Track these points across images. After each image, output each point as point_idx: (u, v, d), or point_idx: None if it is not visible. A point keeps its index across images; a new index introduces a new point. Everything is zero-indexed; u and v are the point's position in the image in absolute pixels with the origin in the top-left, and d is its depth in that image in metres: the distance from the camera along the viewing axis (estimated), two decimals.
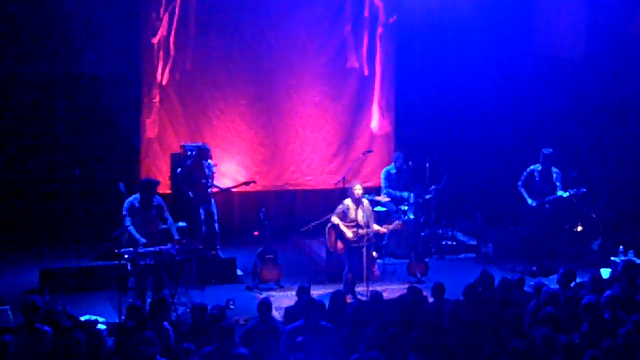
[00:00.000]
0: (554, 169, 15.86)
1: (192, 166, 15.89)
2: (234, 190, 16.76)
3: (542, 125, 19.10)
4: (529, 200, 15.91)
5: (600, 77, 18.52)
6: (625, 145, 18.31)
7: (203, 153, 15.95)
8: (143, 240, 12.93)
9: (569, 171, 16.71)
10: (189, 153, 16.49)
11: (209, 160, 16.04)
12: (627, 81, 18.29)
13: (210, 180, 15.97)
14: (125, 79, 17.40)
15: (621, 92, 18.38)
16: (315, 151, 18.90)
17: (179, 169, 16.07)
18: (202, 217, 15.83)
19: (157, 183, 13.67)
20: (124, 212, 13.18)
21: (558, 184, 15.80)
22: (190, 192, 15.65)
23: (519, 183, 16.07)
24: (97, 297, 14.20)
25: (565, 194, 15.66)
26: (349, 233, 13.99)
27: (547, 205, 15.81)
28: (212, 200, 16.05)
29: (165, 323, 10.48)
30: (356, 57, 18.97)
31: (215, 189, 16.23)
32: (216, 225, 16.00)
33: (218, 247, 15.95)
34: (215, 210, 16.07)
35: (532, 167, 15.99)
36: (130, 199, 13.30)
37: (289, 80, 18.55)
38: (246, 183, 16.62)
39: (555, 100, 18.82)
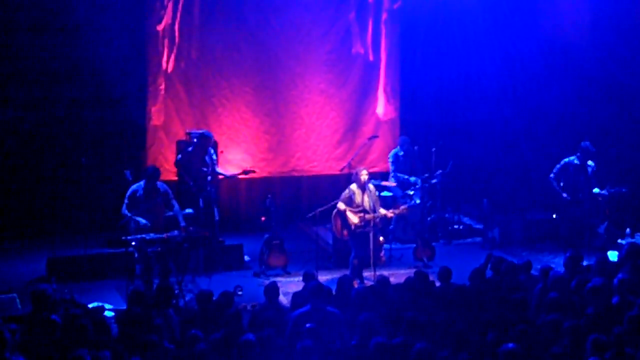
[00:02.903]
0: (590, 163, 15.76)
1: (193, 153, 15.82)
2: (240, 177, 16.73)
3: (547, 111, 19.09)
4: (563, 194, 15.82)
5: (605, 62, 18.46)
6: (630, 130, 18.27)
7: (205, 141, 15.84)
8: (144, 221, 12.96)
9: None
10: (194, 140, 16.48)
11: (211, 149, 16.00)
12: (631, 66, 18.22)
13: (209, 169, 15.85)
14: (131, 67, 17.39)
15: (626, 76, 18.32)
16: (320, 138, 18.91)
17: (179, 155, 16.04)
18: (201, 205, 15.74)
19: (157, 170, 13.68)
20: (126, 202, 13.23)
21: (593, 179, 15.76)
22: (189, 180, 15.60)
23: (551, 175, 15.92)
24: (104, 284, 14.25)
25: (604, 192, 15.72)
26: (354, 219, 14.01)
27: (582, 203, 15.75)
28: (212, 189, 15.93)
29: (170, 310, 10.50)
30: (361, 43, 18.95)
31: (220, 177, 16.22)
32: (216, 213, 15.90)
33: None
34: (215, 199, 15.99)
35: (566, 159, 15.82)
36: (134, 187, 13.33)
37: (294, 68, 18.55)
38: (245, 172, 16.51)
39: (560, 85, 18.78)
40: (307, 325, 9.41)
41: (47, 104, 17.02)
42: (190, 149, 15.89)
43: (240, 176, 16.53)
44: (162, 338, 9.39)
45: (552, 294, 10.61)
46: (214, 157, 15.98)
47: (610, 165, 16.94)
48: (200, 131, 16.64)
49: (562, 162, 15.88)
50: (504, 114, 19.32)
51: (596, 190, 15.82)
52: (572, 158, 15.81)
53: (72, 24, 16.82)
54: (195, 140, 16.13)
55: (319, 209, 14.76)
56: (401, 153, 17.29)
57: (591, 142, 15.92)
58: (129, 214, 13.11)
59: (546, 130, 18.95)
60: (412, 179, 17.03)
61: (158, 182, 13.48)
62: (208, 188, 15.67)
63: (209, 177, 15.70)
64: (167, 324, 9.94)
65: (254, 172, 16.67)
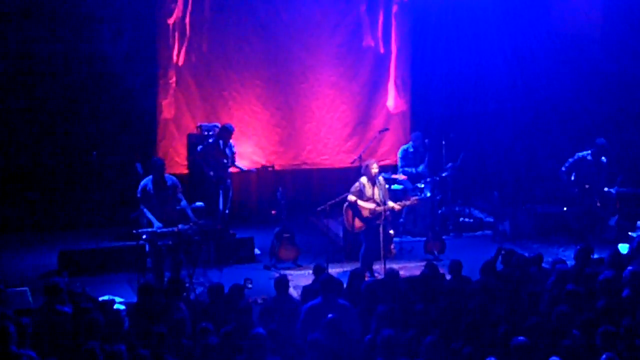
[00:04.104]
0: (603, 159, 15.76)
1: (213, 145, 15.91)
2: (255, 171, 16.93)
3: (558, 103, 19.03)
4: (573, 189, 15.81)
5: (616, 54, 18.37)
6: None
7: (226, 133, 15.94)
8: (158, 224, 12.98)
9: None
10: (205, 133, 16.54)
11: (231, 141, 16.07)
12: None
13: (230, 161, 16.00)
14: (142, 60, 17.40)
15: (637, 68, 18.24)
16: (331, 131, 18.92)
17: (200, 147, 16.09)
18: (220, 196, 15.87)
19: (160, 160, 13.72)
20: (138, 196, 13.27)
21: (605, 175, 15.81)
22: (210, 171, 15.71)
23: (563, 169, 15.90)
24: (115, 278, 14.27)
25: (613, 190, 15.75)
26: (368, 205, 13.99)
27: (594, 198, 15.77)
28: (230, 182, 16.09)
29: (182, 303, 10.53)
30: (372, 35, 18.95)
31: (235, 170, 16.29)
32: (228, 205, 16.03)
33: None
34: (230, 192, 16.10)
35: (580, 154, 15.73)
36: (143, 182, 13.34)
37: (305, 60, 18.56)
38: (265, 167, 16.75)
39: (570, 78, 18.70)
40: (330, 315, 9.40)
41: (57, 97, 17.06)
42: (211, 140, 15.97)
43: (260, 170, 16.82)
44: (174, 331, 9.41)
45: (563, 287, 10.61)
46: (234, 149, 16.08)
47: (619, 159, 16.87)
48: (213, 124, 16.73)
49: (575, 157, 15.82)
50: (515, 107, 19.29)
51: (606, 189, 15.82)
52: (585, 153, 15.73)
53: (82, 18, 16.84)
54: (211, 132, 16.24)
55: (330, 202, 14.77)
56: (411, 149, 17.27)
57: (601, 133, 15.90)
58: (145, 211, 13.18)
59: (556, 123, 18.90)
60: (420, 168, 17.01)
61: (166, 175, 13.48)
62: (228, 180, 15.82)
63: (229, 170, 15.85)
64: (180, 317, 9.95)
65: (273, 167, 16.83)
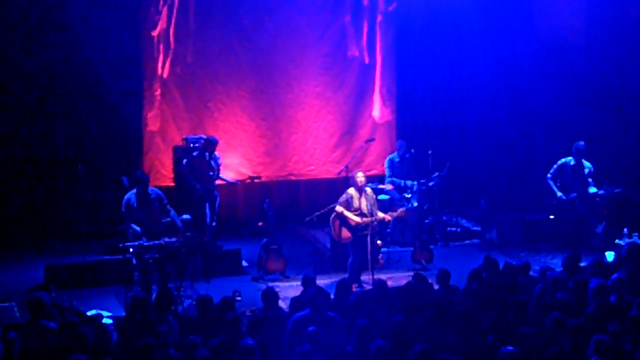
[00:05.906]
0: (586, 163, 15.83)
1: (199, 158, 15.90)
2: (240, 183, 16.91)
3: (542, 111, 19.10)
4: (558, 193, 15.88)
5: (600, 64, 18.44)
6: (625, 130, 18.28)
7: (210, 145, 15.95)
8: (143, 238, 12.96)
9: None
10: (191, 145, 16.50)
11: (216, 153, 16.06)
12: (627, 67, 18.21)
13: (216, 173, 15.99)
14: (127, 73, 17.36)
15: (621, 78, 18.30)
16: (317, 141, 18.89)
17: (185, 160, 16.07)
18: (208, 209, 15.85)
19: (145, 175, 13.72)
20: (123, 210, 13.24)
21: (590, 179, 15.83)
22: (197, 185, 15.69)
23: (549, 176, 16.00)
24: (103, 291, 14.22)
25: (600, 192, 15.76)
26: (355, 218, 13.98)
27: (577, 202, 15.81)
28: (217, 194, 16.09)
29: (170, 316, 10.48)
30: (356, 46, 18.94)
31: (221, 182, 16.28)
32: (215, 218, 16.04)
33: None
34: (217, 204, 16.09)
35: (563, 160, 15.92)
36: (127, 196, 13.32)
37: (290, 71, 18.54)
38: (251, 178, 16.72)
39: (554, 86, 18.77)
40: (310, 328, 9.38)
41: (42, 111, 17.01)
42: (195, 153, 15.96)
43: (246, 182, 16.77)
44: (163, 344, 9.36)
45: (551, 295, 10.61)
46: (219, 161, 16.08)
47: (605, 166, 16.93)
48: (198, 136, 16.70)
49: (558, 163, 15.96)
50: (500, 115, 19.33)
51: (592, 189, 15.83)
52: (568, 159, 15.87)
53: (66, 31, 16.78)
54: (197, 145, 16.23)
55: (317, 213, 14.79)
56: (397, 159, 17.28)
57: (586, 142, 15.97)
58: (132, 225, 13.15)
59: (541, 130, 18.98)
60: (409, 182, 17.01)
61: (150, 188, 13.46)
62: (215, 193, 15.81)
63: (215, 182, 15.83)
64: (168, 329, 9.91)
65: (259, 178, 16.82)
